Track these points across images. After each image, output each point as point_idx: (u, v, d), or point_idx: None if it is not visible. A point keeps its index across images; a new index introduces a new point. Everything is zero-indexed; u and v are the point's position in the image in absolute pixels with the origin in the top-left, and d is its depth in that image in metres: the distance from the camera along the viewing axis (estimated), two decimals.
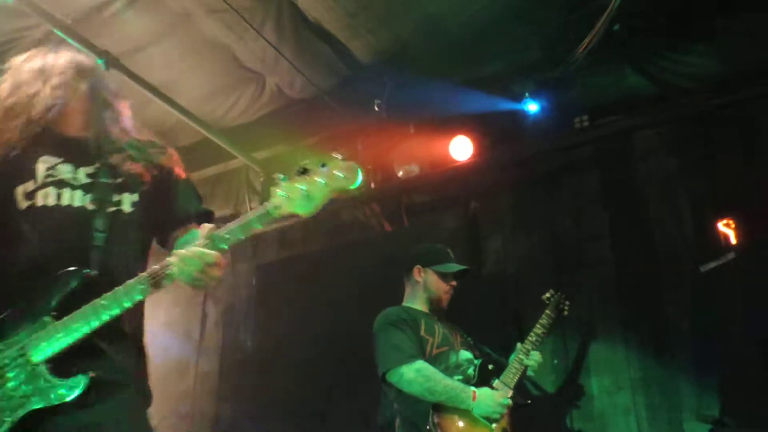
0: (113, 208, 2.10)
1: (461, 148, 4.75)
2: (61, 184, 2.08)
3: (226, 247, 1.94)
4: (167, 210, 2.20)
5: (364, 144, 5.14)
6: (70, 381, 1.83)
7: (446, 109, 4.69)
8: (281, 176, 1.93)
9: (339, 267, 5.37)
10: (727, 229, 3.99)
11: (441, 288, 3.81)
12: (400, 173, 5.02)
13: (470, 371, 3.56)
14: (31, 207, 2.04)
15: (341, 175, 1.91)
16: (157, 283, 1.92)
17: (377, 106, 4.91)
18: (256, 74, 5.03)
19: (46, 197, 2.06)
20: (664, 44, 4.36)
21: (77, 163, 2.14)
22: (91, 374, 1.84)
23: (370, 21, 4.47)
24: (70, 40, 4.22)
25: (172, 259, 1.92)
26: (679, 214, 4.26)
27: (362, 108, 5.01)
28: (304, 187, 1.89)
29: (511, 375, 3.55)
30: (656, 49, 4.39)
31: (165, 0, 4.28)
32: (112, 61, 4.38)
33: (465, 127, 4.77)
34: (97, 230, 2.03)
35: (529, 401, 3.62)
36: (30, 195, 2.06)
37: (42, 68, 2.27)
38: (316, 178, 1.89)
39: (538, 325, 3.80)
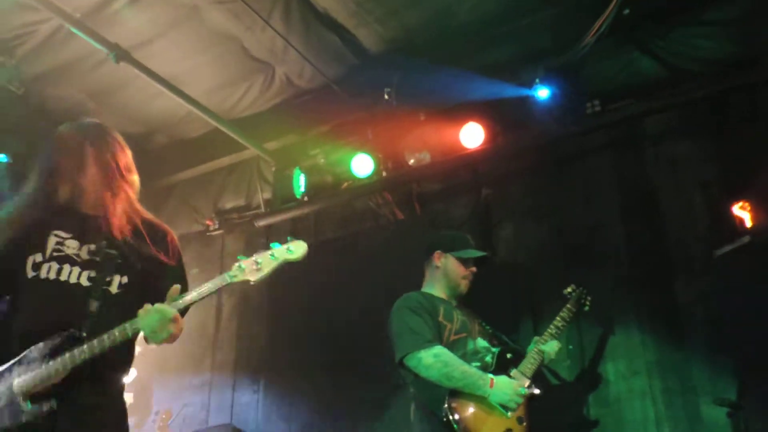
0: (104, 287, 2.33)
1: (472, 135, 4.73)
2: (64, 259, 2.33)
3: (181, 307, 2.24)
4: (153, 295, 2.33)
5: (375, 132, 5.12)
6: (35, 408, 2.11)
7: (456, 96, 4.66)
8: (240, 256, 2.30)
9: (351, 256, 5.39)
10: (742, 212, 3.96)
11: (460, 273, 3.82)
12: (411, 161, 5.00)
13: (488, 359, 3.56)
14: (36, 278, 2.29)
15: (291, 250, 2.30)
16: (124, 333, 2.17)
17: (387, 95, 4.90)
18: (265, 64, 5.03)
19: (49, 271, 2.30)
20: (674, 28, 4.32)
21: (83, 240, 2.38)
22: (53, 406, 2.11)
23: (378, 9, 4.46)
24: (80, 34, 4.25)
25: (140, 311, 2.18)
26: (691, 198, 4.23)
27: (372, 96, 5.00)
28: (259, 260, 2.28)
29: (528, 365, 3.56)
30: (666, 33, 4.36)
31: None
32: (122, 55, 4.40)
33: (475, 114, 4.74)
34: (88, 306, 2.26)
35: (539, 391, 3.59)
36: (36, 266, 2.30)
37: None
38: (268, 253, 2.28)
39: (558, 318, 3.81)
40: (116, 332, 2.17)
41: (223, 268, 6.01)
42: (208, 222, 6.10)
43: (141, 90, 5.20)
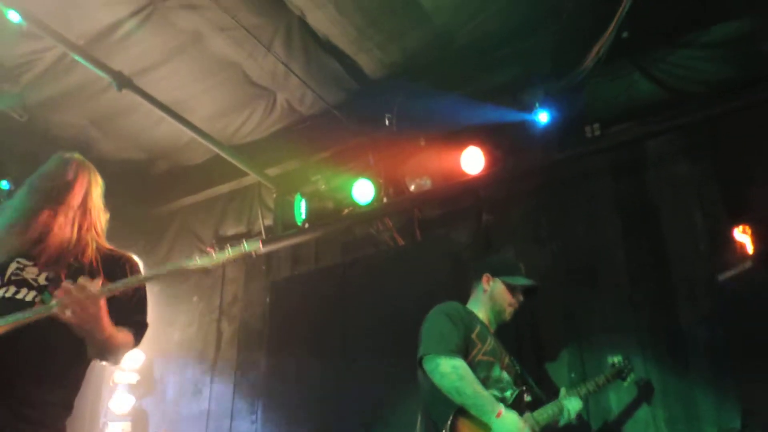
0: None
1: (473, 160, 4.73)
2: (21, 283, 2.45)
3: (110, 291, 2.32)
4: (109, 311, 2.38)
5: (375, 158, 5.13)
6: None
7: (457, 121, 4.68)
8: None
9: (352, 282, 5.35)
10: (743, 236, 3.94)
11: (507, 300, 3.79)
12: (412, 187, 5.00)
13: (507, 393, 3.50)
14: None
15: (246, 245, 2.42)
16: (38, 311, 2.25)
17: (388, 120, 4.92)
18: (266, 91, 5.07)
19: (6, 292, 2.42)
20: (673, 50, 4.33)
21: (42, 268, 2.50)
22: None
23: (378, 35, 4.50)
24: (83, 61, 4.29)
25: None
26: (692, 221, 4.19)
27: (372, 122, 5.02)
28: (215, 255, 2.38)
29: (545, 414, 3.48)
30: (665, 55, 4.36)
31: (175, 19, 4.34)
32: (124, 82, 4.44)
33: (476, 138, 4.75)
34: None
35: None
36: None
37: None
38: (229, 246, 2.41)
39: (593, 382, 3.73)
40: (34, 311, 2.25)
41: (223, 295, 6.08)
42: (209, 249, 6.06)
43: (144, 116, 5.24)
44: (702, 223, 4.16)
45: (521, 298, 3.84)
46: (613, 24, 3.90)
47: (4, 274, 2.46)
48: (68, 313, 2.19)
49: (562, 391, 3.67)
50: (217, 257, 2.37)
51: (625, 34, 4.10)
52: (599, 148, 4.46)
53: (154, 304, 2.83)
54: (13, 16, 3.99)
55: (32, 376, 2.34)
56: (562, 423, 3.58)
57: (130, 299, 2.59)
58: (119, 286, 2.34)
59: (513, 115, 4.57)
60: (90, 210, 2.66)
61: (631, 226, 4.41)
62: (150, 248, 6.22)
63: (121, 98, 4.72)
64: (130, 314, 2.57)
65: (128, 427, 5.75)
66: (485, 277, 3.84)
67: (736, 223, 3.92)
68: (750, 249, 3.90)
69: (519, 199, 4.90)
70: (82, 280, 2.22)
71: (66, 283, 2.21)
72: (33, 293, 2.42)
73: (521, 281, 3.80)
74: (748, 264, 3.76)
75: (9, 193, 5.32)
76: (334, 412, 4.99)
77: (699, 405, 3.85)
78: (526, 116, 4.55)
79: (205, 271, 2.41)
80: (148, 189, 6.02)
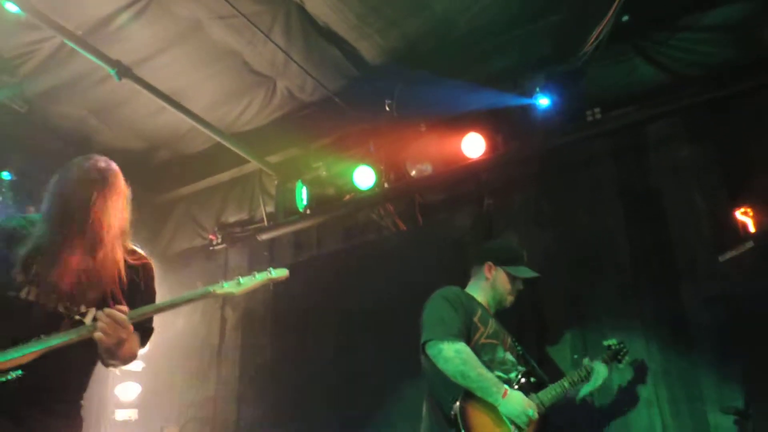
0: (78, 317, 2.50)
1: (473, 145, 4.74)
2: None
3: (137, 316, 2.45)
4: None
5: (376, 144, 5.14)
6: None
7: (457, 106, 4.68)
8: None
9: (354, 268, 5.38)
10: (744, 217, 3.95)
11: (508, 289, 3.83)
12: (413, 172, 5.01)
13: (512, 374, 3.55)
14: (17, 297, 2.44)
15: (273, 272, 2.62)
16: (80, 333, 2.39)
17: (388, 106, 4.91)
18: (266, 78, 5.05)
19: (29, 293, 2.46)
20: (674, 34, 4.32)
21: (73, 279, 2.50)
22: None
23: (378, 21, 4.48)
24: (82, 51, 4.28)
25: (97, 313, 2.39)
26: (694, 204, 4.21)
27: (373, 108, 5.01)
28: (242, 279, 2.56)
29: (549, 395, 3.54)
30: (666, 38, 4.36)
31: (173, 8, 4.32)
32: (124, 71, 4.43)
33: (477, 124, 4.76)
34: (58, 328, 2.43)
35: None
36: (18, 286, 2.45)
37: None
38: (251, 275, 2.57)
39: (583, 368, 3.77)
40: (74, 331, 2.38)
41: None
42: (211, 236, 6.11)
43: (144, 105, 5.23)
44: (704, 206, 4.18)
45: (521, 287, 3.87)
46: (614, 8, 3.88)
47: (28, 273, 2.48)
48: (100, 335, 2.34)
49: (568, 374, 3.73)
50: (244, 282, 2.53)
51: (625, 18, 4.11)
52: (600, 132, 4.47)
53: (157, 292, 2.86)
54: (11, 7, 3.97)
55: (58, 382, 2.51)
56: (587, 390, 3.67)
57: (140, 305, 2.65)
58: (149, 311, 2.49)
59: (514, 100, 4.57)
60: (112, 225, 2.57)
61: (632, 209, 4.42)
62: (152, 237, 6.23)
63: (121, 87, 4.71)
64: (139, 320, 2.64)
65: (135, 414, 5.80)
66: (487, 265, 3.86)
67: (738, 206, 3.94)
68: (752, 231, 3.91)
69: (520, 183, 4.90)
70: (113, 310, 2.36)
71: (104, 311, 2.36)
72: (65, 304, 2.50)
73: (524, 273, 3.82)
74: (750, 246, 3.76)
75: (10, 184, 5.33)
76: (338, 397, 5.04)
77: (702, 385, 3.89)
78: (527, 101, 4.55)
79: (232, 296, 2.56)
80: (149, 178, 6.01)
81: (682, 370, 3.98)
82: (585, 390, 3.71)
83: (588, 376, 3.71)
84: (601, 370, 3.69)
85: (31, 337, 2.36)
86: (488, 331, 3.61)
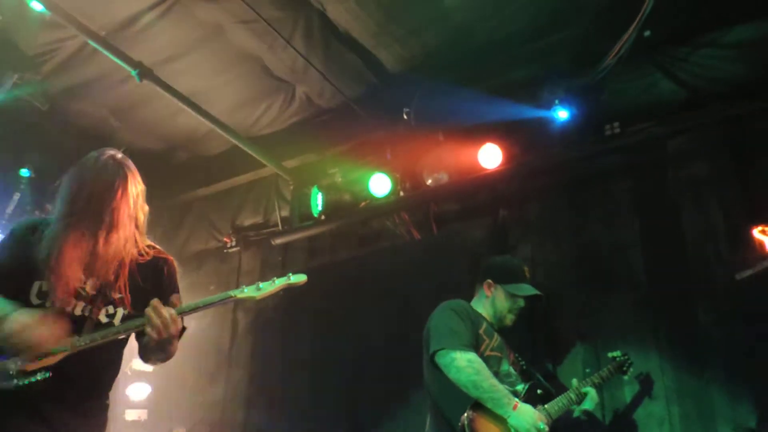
0: (105, 320, 2.53)
1: (490, 156, 4.73)
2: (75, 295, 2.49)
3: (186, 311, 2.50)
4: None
5: (393, 152, 5.15)
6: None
7: (475, 116, 4.67)
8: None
9: (368, 275, 5.37)
10: (762, 236, 3.91)
11: (507, 307, 3.80)
12: (429, 181, 5.01)
13: (519, 387, 3.53)
14: (41, 306, 2.44)
15: (292, 278, 2.60)
16: (128, 328, 2.46)
17: (406, 115, 4.92)
18: (285, 83, 5.08)
19: (48, 298, 2.45)
20: (694, 50, 4.31)
21: (89, 275, 2.53)
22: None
23: (398, 30, 4.50)
24: (105, 51, 4.32)
25: (146, 309, 2.41)
26: (711, 221, 4.18)
27: (391, 116, 5.03)
28: (261, 285, 2.55)
29: (556, 407, 3.52)
30: (687, 55, 4.34)
31: (196, 11, 4.36)
32: (145, 72, 4.46)
33: (494, 134, 4.75)
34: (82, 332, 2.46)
35: None
36: (42, 294, 2.46)
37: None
38: (271, 280, 2.56)
39: (597, 376, 3.77)
40: (122, 327, 2.45)
41: (239, 286, 6.08)
42: (225, 239, 6.14)
43: (163, 107, 5.27)
44: (721, 223, 4.15)
45: (523, 304, 3.82)
46: (636, 23, 3.88)
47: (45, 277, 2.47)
48: (150, 329, 2.38)
49: (574, 381, 3.72)
50: (264, 287, 2.53)
51: (647, 33, 4.08)
52: (618, 146, 4.45)
53: None
54: (36, 6, 4.02)
55: (85, 382, 2.53)
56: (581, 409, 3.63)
57: (167, 297, 2.68)
58: (193, 306, 2.51)
59: (532, 112, 4.55)
60: (126, 222, 2.58)
61: (649, 225, 4.39)
62: (168, 237, 6.26)
63: (142, 88, 4.75)
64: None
65: (144, 414, 5.81)
66: (486, 284, 3.85)
67: (756, 224, 3.89)
68: None
69: (536, 195, 4.89)
70: (164, 307, 2.40)
71: (156, 307, 2.39)
72: (82, 304, 2.50)
73: (525, 291, 3.79)
74: (766, 264, 3.72)
75: (29, 180, 5.38)
76: (347, 403, 5.03)
77: (714, 403, 3.85)
78: (545, 113, 4.54)
79: (253, 301, 2.57)
80: (166, 179, 6.06)
81: (694, 387, 3.94)
82: (577, 412, 3.68)
83: (581, 400, 3.68)
84: (593, 396, 3.66)
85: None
86: (493, 344, 3.61)
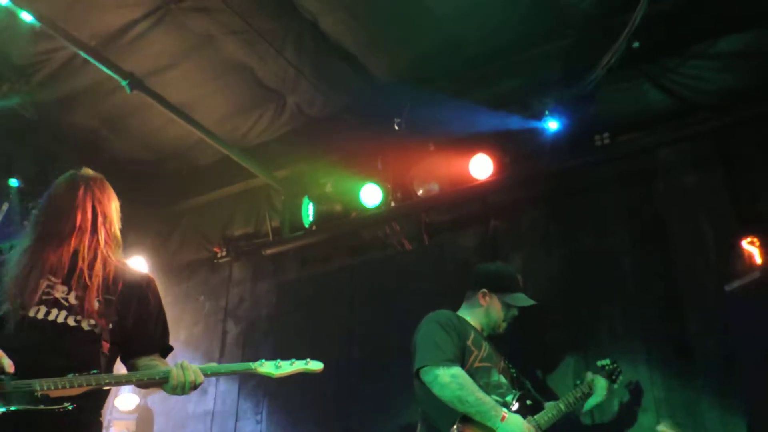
0: (88, 328, 2.51)
1: (481, 166, 4.74)
2: (53, 303, 2.50)
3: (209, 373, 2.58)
4: (136, 337, 2.65)
5: (384, 162, 5.15)
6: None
7: (466, 127, 4.69)
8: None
9: (359, 286, 5.36)
10: (751, 247, 3.92)
11: (501, 317, 3.81)
12: (420, 192, 5.02)
13: (509, 397, 3.51)
14: (24, 317, 2.43)
15: (309, 365, 2.80)
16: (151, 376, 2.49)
17: (397, 125, 4.92)
18: (276, 93, 5.08)
19: (38, 312, 2.45)
20: (684, 61, 4.34)
21: (71, 286, 2.54)
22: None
23: (389, 41, 4.52)
24: (95, 62, 4.31)
25: (174, 368, 2.46)
26: (701, 231, 4.19)
27: (382, 126, 5.03)
28: (279, 363, 2.72)
29: (546, 417, 3.50)
30: (676, 65, 4.37)
31: (187, 22, 4.36)
32: (136, 82, 4.45)
33: (485, 145, 4.76)
34: (68, 343, 2.45)
35: None
36: (26, 306, 2.45)
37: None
38: (289, 360, 2.74)
39: (586, 384, 3.76)
40: (144, 374, 2.50)
41: (229, 296, 6.08)
42: (216, 249, 6.11)
43: (154, 117, 5.25)
44: (711, 234, 4.16)
45: (516, 313, 3.84)
46: (625, 34, 3.91)
47: (36, 292, 2.48)
48: (172, 390, 2.46)
49: (563, 396, 3.71)
50: (282, 367, 2.69)
51: (636, 44, 4.10)
52: (608, 157, 4.48)
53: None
54: (26, 17, 4.01)
55: (93, 405, 2.51)
56: (591, 404, 3.68)
57: (155, 324, 2.73)
58: (215, 371, 2.68)
59: (522, 123, 4.57)
60: (102, 234, 2.65)
61: (639, 235, 4.41)
62: (158, 247, 6.22)
63: (132, 98, 4.73)
64: (160, 340, 2.76)
65: (133, 425, 5.76)
66: (481, 293, 3.83)
67: (745, 234, 3.91)
68: (758, 260, 3.88)
69: (527, 205, 4.90)
70: (189, 367, 2.46)
71: (184, 363, 2.46)
72: (64, 313, 2.49)
73: (522, 302, 3.80)
74: (756, 275, 3.74)
75: (18, 191, 5.34)
76: (338, 414, 5.00)
77: (704, 414, 3.85)
78: (536, 124, 4.56)
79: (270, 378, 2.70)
80: (156, 189, 6.03)
81: (685, 398, 3.94)
82: (588, 405, 3.70)
83: (590, 391, 3.68)
84: (602, 384, 3.68)
85: (52, 354, 2.38)
86: (482, 354, 3.59)
